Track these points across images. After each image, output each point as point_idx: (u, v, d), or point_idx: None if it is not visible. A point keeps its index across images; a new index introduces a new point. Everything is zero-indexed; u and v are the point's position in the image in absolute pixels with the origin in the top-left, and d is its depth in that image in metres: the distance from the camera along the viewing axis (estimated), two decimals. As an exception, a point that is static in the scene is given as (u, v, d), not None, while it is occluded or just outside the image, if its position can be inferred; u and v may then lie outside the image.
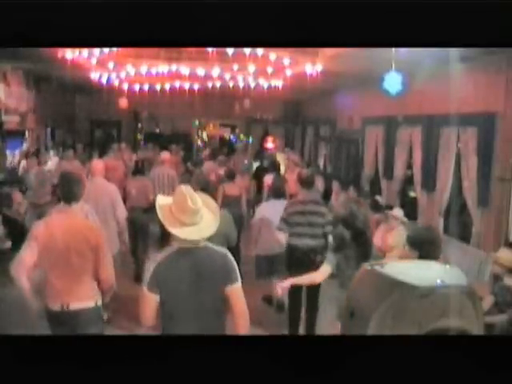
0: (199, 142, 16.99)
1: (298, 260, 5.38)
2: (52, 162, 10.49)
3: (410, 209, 8.17)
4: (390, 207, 7.62)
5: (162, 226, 3.01)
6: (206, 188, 5.18)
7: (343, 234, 4.02)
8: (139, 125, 16.59)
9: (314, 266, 5.43)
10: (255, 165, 12.25)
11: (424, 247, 3.16)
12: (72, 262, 3.54)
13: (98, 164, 6.41)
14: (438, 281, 2.67)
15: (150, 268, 2.90)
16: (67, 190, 3.72)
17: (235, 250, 5.50)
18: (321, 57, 6.89)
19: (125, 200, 7.57)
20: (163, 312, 2.94)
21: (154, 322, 2.95)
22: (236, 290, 2.95)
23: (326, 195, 9.46)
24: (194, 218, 2.88)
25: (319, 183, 10.00)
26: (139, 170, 8.28)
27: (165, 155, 9.71)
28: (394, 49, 5.25)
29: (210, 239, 3.06)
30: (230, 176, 8.10)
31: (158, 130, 16.78)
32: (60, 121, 13.66)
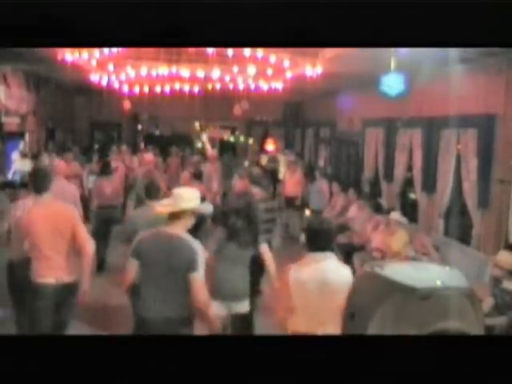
0: (199, 144, 16.98)
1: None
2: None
3: (410, 211, 8.17)
4: (392, 210, 7.63)
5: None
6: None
7: (236, 224, 4.48)
8: (139, 127, 16.59)
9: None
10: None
11: (315, 237, 3.39)
12: (58, 242, 4.16)
13: (59, 164, 6.52)
14: (438, 282, 2.66)
15: (134, 242, 3.73)
16: (39, 183, 4.28)
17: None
18: (321, 58, 6.89)
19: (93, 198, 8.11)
20: (143, 279, 3.59)
21: (131, 283, 3.65)
22: (194, 278, 3.48)
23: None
24: (174, 201, 3.60)
25: (324, 185, 10.01)
26: (106, 170, 8.35)
27: (147, 156, 9.76)
28: (393, 50, 5.25)
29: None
30: (197, 176, 8.20)
31: (157, 132, 16.78)
32: (60, 122, 13.65)
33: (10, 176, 10.00)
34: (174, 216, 3.61)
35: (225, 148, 16.13)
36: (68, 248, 4.21)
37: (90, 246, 4.24)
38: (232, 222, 4.52)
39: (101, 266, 7.61)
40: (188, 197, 3.66)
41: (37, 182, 4.30)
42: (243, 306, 4.53)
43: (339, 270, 3.37)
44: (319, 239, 3.40)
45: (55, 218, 4.18)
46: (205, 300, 3.55)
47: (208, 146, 16.53)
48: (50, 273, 4.21)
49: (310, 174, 10.70)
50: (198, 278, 3.53)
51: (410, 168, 8.24)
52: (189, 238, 3.68)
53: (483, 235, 6.19)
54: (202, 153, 12.96)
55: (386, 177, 9.04)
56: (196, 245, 3.66)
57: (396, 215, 7.03)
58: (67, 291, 4.25)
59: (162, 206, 3.70)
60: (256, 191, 6.16)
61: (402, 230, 6.82)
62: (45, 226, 4.16)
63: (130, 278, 3.65)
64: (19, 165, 10.21)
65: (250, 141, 16.87)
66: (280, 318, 3.39)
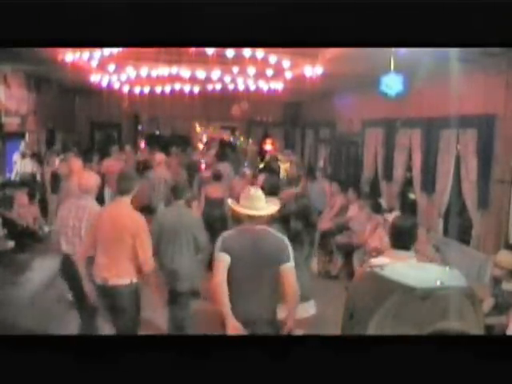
0: (199, 145, 16.97)
1: None
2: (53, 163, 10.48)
3: (410, 211, 8.17)
4: (391, 210, 7.63)
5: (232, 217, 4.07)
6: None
7: (296, 226, 4.45)
8: (139, 127, 16.59)
9: None
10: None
11: (400, 235, 3.35)
12: (113, 244, 4.19)
13: (75, 163, 6.46)
14: (438, 282, 2.66)
15: (220, 239, 3.58)
16: (120, 185, 4.38)
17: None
18: (320, 59, 6.89)
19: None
20: (231, 277, 3.44)
21: (223, 280, 3.41)
22: (287, 269, 3.45)
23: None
24: (254, 203, 3.60)
25: (325, 185, 10.01)
26: (140, 170, 8.34)
27: (159, 157, 9.75)
28: (393, 49, 5.25)
29: (178, 237, 4.82)
30: (216, 178, 8.07)
31: (158, 133, 16.78)
32: (60, 123, 13.65)
33: (12, 177, 10.01)
34: (259, 216, 3.61)
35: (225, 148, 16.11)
36: (123, 255, 4.18)
37: (148, 267, 4.20)
38: (292, 225, 4.45)
39: None
40: (262, 196, 3.68)
41: (120, 184, 4.38)
42: (311, 309, 4.41)
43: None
44: (404, 237, 3.36)
45: (119, 222, 4.20)
46: (296, 294, 3.46)
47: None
48: (100, 273, 4.24)
49: (310, 173, 10.70)
50: (292, 269, 3.47)
51: (409, 168, 8.25)
52: (276, 231, 3.67)
53: (483, 235, 6.20)
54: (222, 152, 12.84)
55: (385, 177, 9.04)
56: (284, 237, 3.63)
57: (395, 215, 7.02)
58: (113, 293, 4.22)
59: (255, 210, 3.61)
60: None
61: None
62: (106, 227, 4.21)
63: (222, 273, 3.43)
64: (22, 166, 10.22)
65: (250, 141, 16.87)
66: None
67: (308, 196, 5.59)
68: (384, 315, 2.50)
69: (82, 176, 5.34)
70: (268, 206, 3.70)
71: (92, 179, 5.16)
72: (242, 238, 3.58)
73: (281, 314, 3.86)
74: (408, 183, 8.48)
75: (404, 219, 3.71)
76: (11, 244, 7.28)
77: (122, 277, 4.20)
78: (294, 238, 4.37)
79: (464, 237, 6.70)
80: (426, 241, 6.46)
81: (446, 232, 7.14)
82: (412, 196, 8.44)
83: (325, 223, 8.99)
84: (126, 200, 4.35)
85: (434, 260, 6.25)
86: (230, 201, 3.89)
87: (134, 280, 4.25)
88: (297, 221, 4.46)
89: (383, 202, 8.56)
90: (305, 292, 4.31)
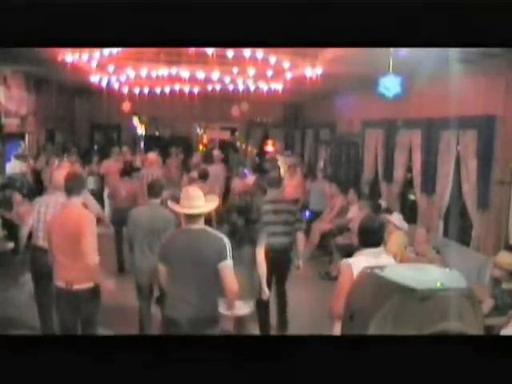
0: (199, 145, 16.95)
1: (275, 258, 5.20)
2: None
3: (410, 212, 8.17)
4: (390, 211, 7.61)
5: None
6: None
7: (237, 222, 4.55)
8: (138, 128, 16.56)
9: (288, 261, 5.74)
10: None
11: (368, 235, 3.53)
12: (70, 245, 4.13)
13: (65, 163, 6.55)
14: (438, 283, 2.66)
15: (159, 247, 3.87)
16: (68, 186, 4.36)
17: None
18: (320, 60, 6.89)
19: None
20: (170, 279, 3.71)
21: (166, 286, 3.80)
22: (224, 266, 3.59)
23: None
24: (192, 202, 3.68)
25: (326, 186, 10.02)
26: (128, 171, 8.33)
27: (151, 156, 9.73)
28: (392, 51, 5.25)
29: (152, 236, 4.91)
30: (203, 177, 8.10)
31: (157, 133, 16.76)
32: (60, 124, 13.65)
33: (9, 177, 10.00)
34: (197, 214, 3.71)
35: (225, 149, 16.09)
36: (78, 254, 4.10)
37: (91, 260, 4.07)
38: (233, 220, 4.57)
39: (121, 267, 7.62)
40: (200, 195, 3.76)
41: (68, 185, 4.36)
42: (245, 308, 4.46)
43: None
44: (373, 236, 3.53)
45: (70, 222, 4.18)
46: (235, 290, 3.62)
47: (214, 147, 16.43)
48: (61, 276, 4.20)
49: (310, 173, 10.69)
50: (229, 266, 3.62)
51: (409, 169, 8.25)
52: (214, 231, 3.80)
53: (483, 236, 6.19)
54: (208, 154, 12.83)
55: (385, 178, 9.04)
56: (223, 236, 3.76)
57: (395, 219, 7.00)
58: (80, 298, 4.19)
59: (193, 209, 3.69)
60: (274, 193, 6.01)
61: (400, 231, 6.81)
62: (59, 229, 4.19)
63: (163, 282, 3.81)
64: (12, 167, 10.18)
65: (250, 142, 16.85)
66: (336, 312, 3.28)
67: (253, 195, 5.61)
68: (384, 316, 2.49)
69: (56, 173, 5.36)
70: (205, 204, 3.78)
71: (62, 176, 5.14)
72: (178, 240, 3.71)
73: (220, 308, 4.00)
74: (408, 184, 8.48)
75: (372, 219, 3.86)
76: (11, 245, 7.28)
77: (85, 280, 4.16)
78: (234, 234, 4.49)
79: (464, 238, 6.70)
80: (426, 242, 6.45)
81: (446, 233, 7.14)
82: (412, 197, 8.44)
83: (325, 224, 9.00)
84: (76, 201, 4.32)
85: (434, 261, 6.25)
86: (169, 202, 3.99)
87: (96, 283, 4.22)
88: (238, 217, 4.55)
89: (383, 202, 8.56)
90: (247, 290, 4.37)
